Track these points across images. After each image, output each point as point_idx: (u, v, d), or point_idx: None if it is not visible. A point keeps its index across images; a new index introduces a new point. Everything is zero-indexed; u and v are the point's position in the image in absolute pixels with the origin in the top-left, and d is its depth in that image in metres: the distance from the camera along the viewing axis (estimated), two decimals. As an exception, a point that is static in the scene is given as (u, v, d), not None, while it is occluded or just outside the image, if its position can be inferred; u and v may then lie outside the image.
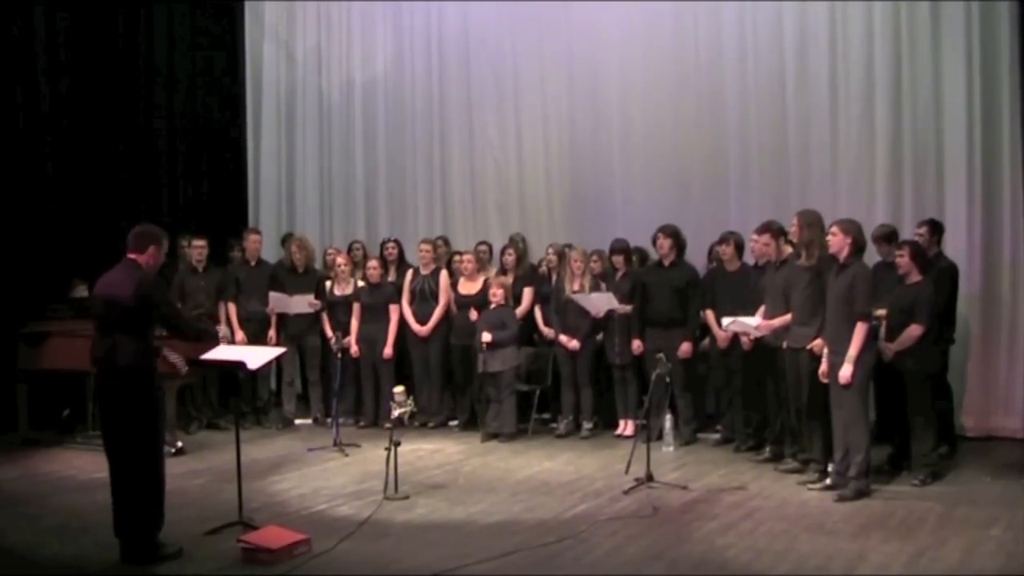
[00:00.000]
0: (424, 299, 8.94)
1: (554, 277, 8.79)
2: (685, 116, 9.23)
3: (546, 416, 8.97)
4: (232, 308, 9.02)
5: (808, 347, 6.55)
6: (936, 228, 7.46)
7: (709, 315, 7.93)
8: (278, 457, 7.82)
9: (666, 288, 8.06)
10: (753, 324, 7.12)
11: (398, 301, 9.00)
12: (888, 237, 7.38)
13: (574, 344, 8.42)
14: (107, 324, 5.25)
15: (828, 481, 6.43)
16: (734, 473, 7.05)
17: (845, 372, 6.13)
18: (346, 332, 8.84)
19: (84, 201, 9.38)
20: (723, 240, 7.96)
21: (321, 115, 11.06)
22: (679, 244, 8.16)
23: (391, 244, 9.39)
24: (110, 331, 5.22)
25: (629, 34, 9.47)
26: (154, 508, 5.25)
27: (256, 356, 6.11)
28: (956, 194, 8.09)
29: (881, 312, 6.78)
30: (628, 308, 8.17)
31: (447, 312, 8.93)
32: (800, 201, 7.92)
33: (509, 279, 8.81)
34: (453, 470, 7.34)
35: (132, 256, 5.34)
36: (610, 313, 8.26)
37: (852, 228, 6.29)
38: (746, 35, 8.96)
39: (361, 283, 9.09)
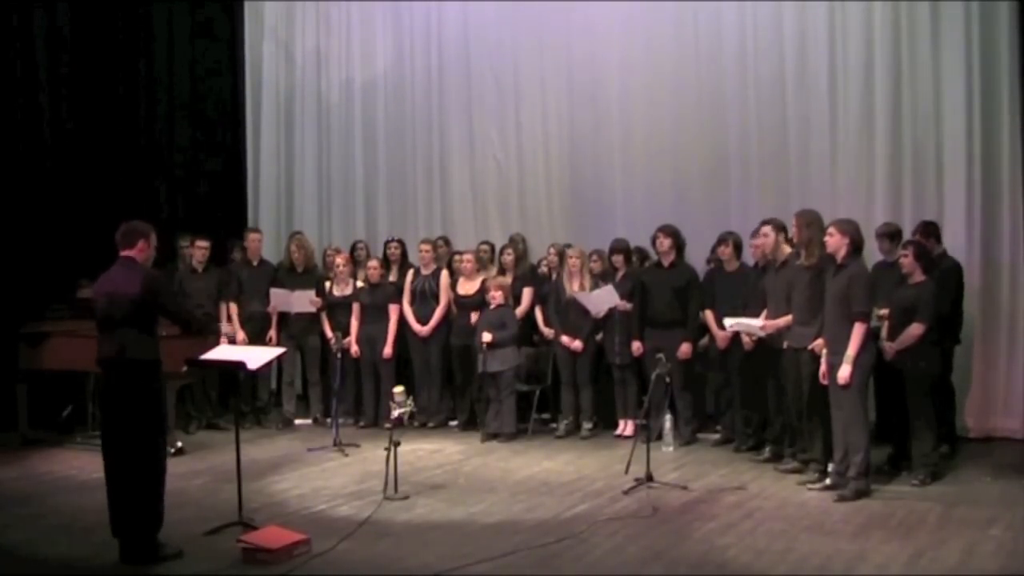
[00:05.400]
0: (424, 299, 8.94)
1: (555, 277, 8.80)
2: (685, 116, 9.24)
3: (546, 416, 8.97)
4: (234, 308, 9.03)
5: (809, 347, 6.56)
6: (929, 230, 7.41)
7: (708, 315, 7.93)
8: (278, 457, 7.82)
9: (665, 288, 8.06)
10: (757, 325, 7.12)
11: (398, 301, 9.00)
12: (892, 236, 7.37)
13: (576, 344, 8.41)
14: (113, 322, 5.25)
15: (828, 481, 6.43)
16: (734, 473, 7.05)
17: (843, 372, 6.13)
18: (346, 332, 8.84)
19: (83, 201, 9.38)
20: (721, 240, 7.97)
21: (320, 115, 11.05)
22: (679, 244, 8.15)
23: (394, 244, 9.40)
24: (117, 329, 5.23)
25: (629, 34, 9.47)
26: (155, 507, 5.25)
27: (256, 356, 6.11)
28: (956, 194, 8.09)
29: (883, 312, 6.79)
30: (629, 306, 8.18)
31: (447, 312, 8.93)
32: (800, 201, 7.92)
33: (508, 279, 8.81)
34: (453, 470, 7.34)
35: (125, 254, 5.36)
36: (610, 312, 8.26)
37: (849, 228, 6.29)
38: (746, 35, 8.96)
39: (361, 283, 9.10)
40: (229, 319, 8.97)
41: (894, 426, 7.06)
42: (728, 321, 7.42)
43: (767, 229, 7.17)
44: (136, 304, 5.22)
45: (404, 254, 9.39)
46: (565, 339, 8.48)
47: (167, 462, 5.51)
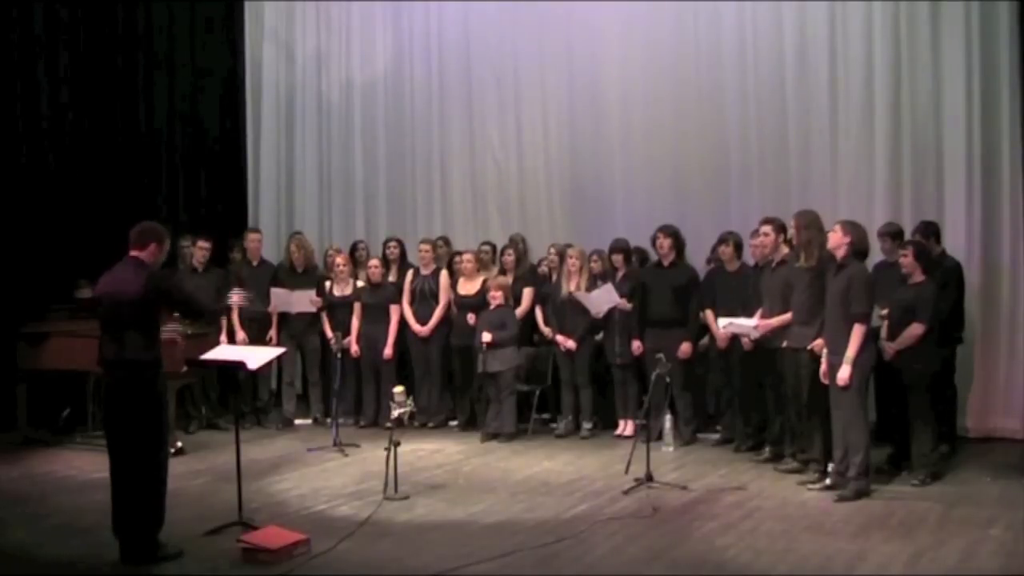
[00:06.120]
0: (424, 299, 8.95)
1: (555, 277, 8.80)
2: (685, 116, 9.23)
3: (546, 416, 8.97)
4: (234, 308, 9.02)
5: (809, 347, 6.55)
6: (929, 230, 7.42)
7: (708, 315, 7.93)
8: (278, 457, 7.82)
9: (666, 288, 8.06)
10: (751, 324, 7.13)
11: (399, 301, 9.00)
12: (893, 235, 7.37)
13: (570, 344, 8.42)
14: (115, 322, 5.25)
15: (828, 481, 6.43)
16: (734, 473, 7.05)
17: (843, 373, 6.13)
18: (346, 332, 8.84)
19: (84, 201, 9.38)
20: (722, 240, 7.97)
21: (321, 115, 11.05)
22: (679, 244, 8.15)
23: (393, 243, 9.40)
24: (119, 329, 5.22)
25: (629, 34, 9.47)
26: (155, 508, 5.26)
27: (256, 356, 6.12)
28: (956, 194, 8.09)
29: (884, 311, 6.79)
30: (629, 306, 8.18)
31: (447, 312, 8.94)
32: (800, 201, 7.93)
33: (508, 279, 8.81)
34: (453, 470, 7.34)
35: (134, 253, 5.35)
36: (610, 312, 8.26)
37: (853, 231, 6.28)
38: (746, 35, 8.96)
39: (361, 283, 9.10)
40: (229, 318, 8.97)
41: (894, 426, 7.06)
42: (722, 321, 7.43)
43: (767, 228, 7.17)
44: (138, 306, 5.21)
45: (403, 254, 9.38)
46: (560, 339, 8.48)
47: (168, 462, 5.51)
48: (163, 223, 5.66)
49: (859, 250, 6.30)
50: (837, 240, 6.27)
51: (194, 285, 8.76)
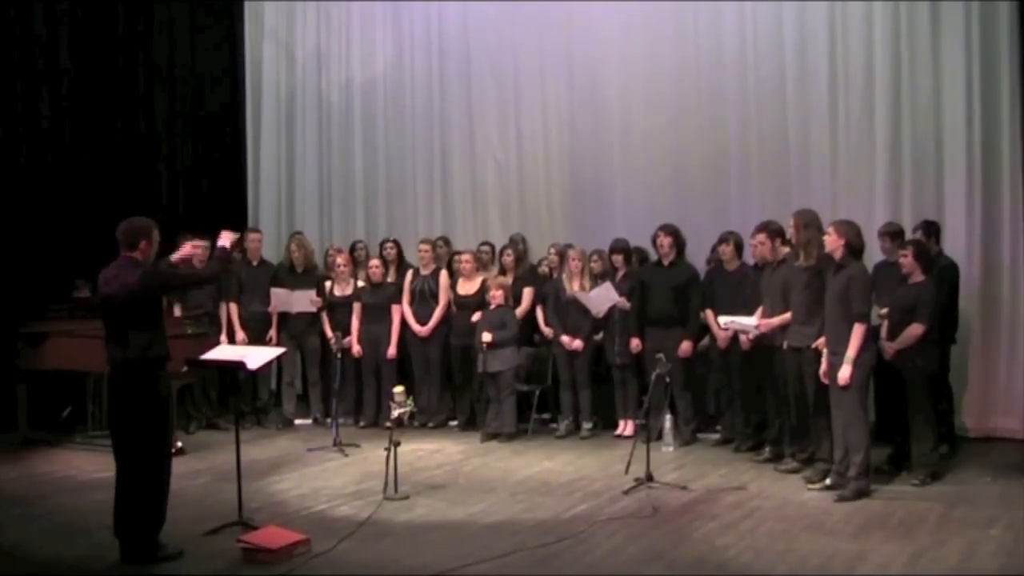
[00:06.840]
0: (424, 299, 8.95)
1: (555, 277, 8.80)
2: (685, 116, 9.23)
3: (546, 416, 8.97)
4: (234, 308, 9.03)
5: (813, 346, 6.55)
6: (930, 229, 7.44)
7: (709, 315, 7.93)
8: (278, 457, 7.83)
9: (665, 287, 8.06)
10: (752, 323, 7.13)
11: (399, 301, 9.00)
12: (893, 235, 7.37)
13: (576, 344, 8.41)
14: (116, 322, 5.25)
15: (828, 481, 6.43)
16: (734, 473, 7.05)
17: (844, 373, 6.13)
18: (346, 332, 8.84)
19: (84, 201, 9.39)
20: (722, 240, 7.97)
21: (321, 115, 11.04)
22: (679, 243, 8.16)
23: (390, 244, 9.40)
24: (119, 329, 5.23)
25: (629, 34, 9.47)
26: (156, 508, 5.26)
27: (256, 356, 6.13)
28: (956, 194, 8.09)
29: (884, 311, 6.79)
30: (628, 305, 8.18)
31: (447, 312, 8.94)
32: (800, 201, 7.91)
33: (508, 279, 8.81)
34: (453, 470, 7.35)
35: (127, 254, 5.34)
36: (610, 312, 8.25)
37: (847, 231, 6.28)
38: (746, 35, 8.95)
39: (362, 283, 9.10)
40: (230, 319, 8.98)
41: (894, 426, 7.06)
42: (723, 320, 7.44)
43: (761, 237, 7.17)
44: (135, 303, 5.21)
45: (400, 254, 9.37)
46: (565, 339, 8.48)
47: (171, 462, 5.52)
48: (163, 223, 5.65)
49: (855, 249, 6.30)
50: (833, 243, 6.27)
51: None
